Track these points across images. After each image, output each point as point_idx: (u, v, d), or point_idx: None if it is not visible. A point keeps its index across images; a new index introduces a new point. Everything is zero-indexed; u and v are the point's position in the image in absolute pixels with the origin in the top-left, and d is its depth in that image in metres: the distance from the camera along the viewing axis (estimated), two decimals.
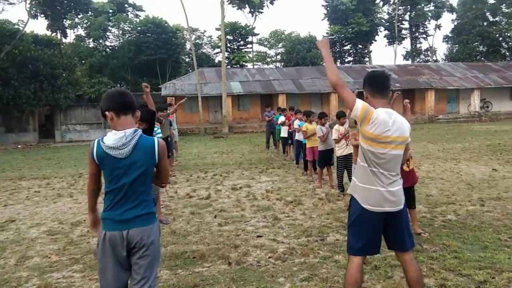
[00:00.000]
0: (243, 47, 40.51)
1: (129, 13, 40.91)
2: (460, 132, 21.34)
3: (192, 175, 10.10)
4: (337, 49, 42.44)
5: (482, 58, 44.16)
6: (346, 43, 41.88)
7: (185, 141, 21.43)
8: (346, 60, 43.07)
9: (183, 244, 5.01)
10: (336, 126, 7.56)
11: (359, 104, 2.79)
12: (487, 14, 45.08)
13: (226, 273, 4.06)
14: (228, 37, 38.25)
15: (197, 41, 41.30)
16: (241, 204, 6.90)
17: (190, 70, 35.99)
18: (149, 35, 35.99)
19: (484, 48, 45.75)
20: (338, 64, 41.32)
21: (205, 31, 47.50)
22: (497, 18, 45.04)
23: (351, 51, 43.11)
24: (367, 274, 3.86)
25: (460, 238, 4.79)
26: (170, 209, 6.77)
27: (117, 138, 2.40)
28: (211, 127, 28.22)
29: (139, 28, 37.15)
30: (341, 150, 7.45)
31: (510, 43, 44.96)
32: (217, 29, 35.18)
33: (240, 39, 39.62)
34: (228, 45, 38.71)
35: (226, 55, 38.08)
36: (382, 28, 42.88)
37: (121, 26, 37.86)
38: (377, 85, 2.98)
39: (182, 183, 9.17)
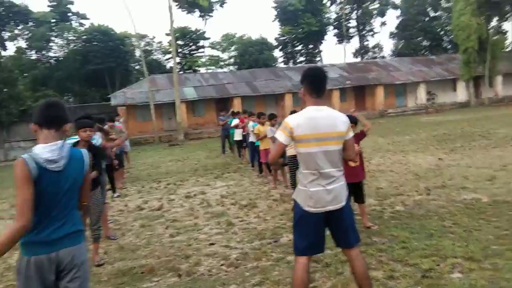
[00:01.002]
0: (195, 51, 40.16)
1: (72, 22, 39.41)
2: (409, 124, 22.20)
3: (144, 186, 9.79)
4: (289, 50, 43.07)
5: (426, 52, 46.40)
6: (298, 44, 42.61)
7: (138, 151, 20.83)
8: (298, 60, 43.81)
9: (132, 259, 4.80)
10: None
11: (279, 133, 2.93)
12: (428, 9, 47.48)
13: (176, 286, 3.91)
14: (179, 42, 37.77)
15: (147, 47, 40.47)
16: (194, 212, 6.74)
17: (141, 78, 35.20)
18: (96, 43, 34.82)
19: (427, 42, 48.14)
20: (291, 65, 41.98)
21: (154, 37, 46.79)
22: (438, 13, 47.53)
23: (302, 51, 43.92)
24: (318, 272, 3.85)
25: (408, 228, 4.91)
26: (119, 223, 6.49)
27: (51, 150, 2.23)
28: (166, 135, 27.66)
29: (84, 37, 35.85)
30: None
31: (451, 37, 47.64)
32: (167, 35, 34.73)
33: (191, 44, 39.24)
34: (179, 50, 38.21)
35: (178, 61, 37.56)
36: (331, 28, 44.06)
37: (65, 35, 36.34)
38: (313, 85, 2.97)
39: (133, 195, 8.85)
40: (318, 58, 43.52)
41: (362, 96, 34.41)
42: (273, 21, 41.48)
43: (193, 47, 39.52)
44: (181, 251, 4.90)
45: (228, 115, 15.28)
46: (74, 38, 36.94)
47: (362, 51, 47.06)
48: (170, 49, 32.62)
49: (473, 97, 33.82)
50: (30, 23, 37.09)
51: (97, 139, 6.62)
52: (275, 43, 41.90)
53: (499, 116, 21.02)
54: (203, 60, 40.95)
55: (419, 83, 34.20)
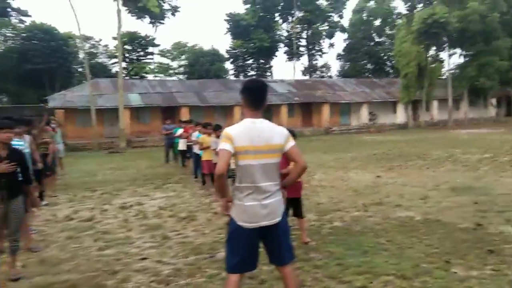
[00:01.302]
0: (143, 58, 39.14)
1: (12, 18, 36.91)
2: (352, 142, 22.99)
3: (76, 195, 9.17)
4: (240, 63, 43.32)
5: (370, 75, 48.73)
6: (249, 58, 43.01)
7: (75, 158, 19.70)
8: (249, 74, 44.19)
9: (53, 274, 4.38)
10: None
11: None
12: (374, 35, 50.06)
13: None
14: (127, 47, 36.65)
15: (92, 50, 38.86)
16: (128, 224, 6.36)
17: (84, 81, 33.64)
18: (36, 42, 32.80)
19: (371, 65, 50.62)
20: (241, 77, 42.20)
21: (100, 40, 45.09)
22: (381, 39, 50.23)
23: (253, 65, 44.39)
24: None
25: (344, 244, 4.92)
26: (44, 234, 5.96)
27: None
28: (107, 141, 26.46)
29: (23, 34, 33.69)
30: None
31: (393, 62, 50.48)
32: (114, 38, 33.59)
33: (139, 50, 38.21)
34: (127, 55, 37.07)
35: (125, 66, 36.35)
36: (282, 45, 44.96)
37: (2, 31, 33.93)
38: (252, 97, 2.89)
39: (64, 204, 8.24)
40: (268, 73, 44.20)
41: (309, 113, 35.29)
42: (225, 33, 41.74)
43: (142, 53, 38.50)
44: (109, 266, 4.55)
45: (174, 125, 14.94)
46: (13, 35, 34.62)
47: (310, 69, 48.48)
48: (117, 53, 31.49)
49: (411, 119, 35.87)
50: None
51: (24, 143, 6.10)
52: (226, 55, 42.01)
53: (434, 139, 22.36)
54: (152, 67, 40.01)
55: (362, 104, 35.73)
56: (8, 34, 34.62)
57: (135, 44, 37.09)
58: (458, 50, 39.44)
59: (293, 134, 5.12)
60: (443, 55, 42.23)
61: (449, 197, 7.38)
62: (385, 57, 48.75)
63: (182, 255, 4.82)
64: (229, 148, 2.74)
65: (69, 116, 26.56)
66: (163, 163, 15.13)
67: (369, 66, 49.75)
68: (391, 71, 47.37)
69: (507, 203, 6.68)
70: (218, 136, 8.04)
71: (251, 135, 2.75)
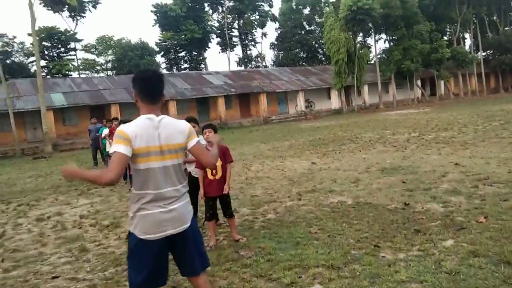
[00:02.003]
0: (64, 54, 36.51)
1: None
2: (290, 130, 23.21)
3: None
4: (172, 56, 42.05)
5: (304, 63, 49.63)
6: (181, 50, 41.83)
7: None
8: (182, 67, 43.05)
9: None
10: None
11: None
12: (304, 23, 50.94)
13: None
14: (45, 43, 33.93)
15: (6, 48, 35.59)
16: (43, 239, 5.72)
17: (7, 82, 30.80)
18: None
19: (304, 54, 51.56)
20: (175, 71, 41.02)
21: (15, 37, 41.60)
22: (312, 27, 51.25)
23: (186, 57, 43.28)
24: None
25: (276, 237, 4.74)
26: None
27: None
28: (30, 146, 24.52)
29: None
30: None
31: (324, 49, 51.92)
32: (29, 35, 30.85)
33: (60, 46, 35.56)
34: (46, 52, 34.34)
35: (44, 64, 33.75)
36: (214, 36, 44.29)
37: None
38: (146, 90, 2.50)
39: None
40: (202, 65, 43.36)
41: (247, 104, 35.23)
42: (153, 25, 40.16)
43: (62, 49, 35.86)
44: None
45: (100, 125, 14.02)
46: None
47: (245, 60, 48.35)
48: (34, 51, 29.10)
49: (345, 104, 37.10)
50: None
51: None
52: (156, 48, 40.51)
53: (366, 122, 23.22)
54: (76, 63, 37.51)
55: (298, 92, 36.29)
56: None
57: (54, 40, 34.42)
58: (384, 36, 41.39)
59: (215, 128, 4.83)
60: (370, 41, 44.08)
61: (379, 179, 7.51)
62: (317, 45, 49.88)
63: (100, 268, 4.35)
64: (125, 151, 2.33)
65: None
66: (92, 166, 14.18)
67: (302, 54, 50.63)
68: (323, 58, 48.58)
69: (432, 180, 6.89)
70: None
71: (149, 134, 2.39)
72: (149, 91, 2.49)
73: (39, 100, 23.44)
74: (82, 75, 36.98)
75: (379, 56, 41.44)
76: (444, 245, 3.97)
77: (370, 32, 40.41)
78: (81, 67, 38.56)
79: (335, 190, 6.90)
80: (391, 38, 39.90)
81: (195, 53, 42.51)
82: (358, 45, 37.41)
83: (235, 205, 6.54)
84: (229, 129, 29.69)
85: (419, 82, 42.54)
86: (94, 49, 40.96)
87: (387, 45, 41.63)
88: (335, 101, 38.30)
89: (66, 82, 30.06)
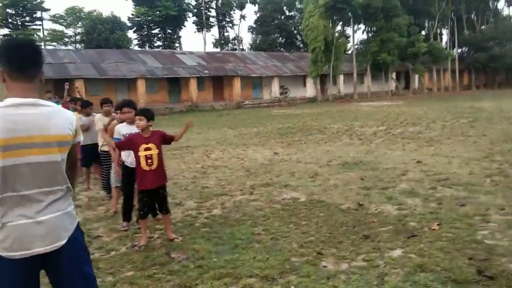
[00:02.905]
0: (29, 23, 34.51)
1: None
2: (260, 116, 22.79)
3: None
4: (145, 32, 40.60)
5: (282, 49, 49.02)
6: (154, 27, 40.40)
7: None
8: (155, 44, 41.69)
9: None
10: (99, 116, 6.40)
11: None
12: (284, 8, 50.16)
13: None
14: (9, 10, 31.92)
15: None
16: None
17: None
18: None
19: (283, 39, 50.91)
20: (147, 48, 39.67)
21: None
22: (292, 13, 50.55)
23: (160, 35, 41.88)
24: None
25: (215, 238, 4.32)
26: None
27: None
28: None
29: None
30: (105, 145, 6.32)
31: (303, 36, 51.45)
32: None
33: (25, 14, 33.53)
34: (10, 20, 32.35)
35: (7, 32, 31.88)
36: (190, 14, 42.98)
37: None
38: (14, 63, 1.93)
39: None
40: (177, 44, 42.10)
41: (220, 87, 34.49)
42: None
43: (28, 18, 33.88)
44: None
45: (56, 100, 13.14)
46: None
47: (222, 41, 47.31)
48: None
49: (320, 93, 36.91)
50: None
51: None
52: (129, 23, 38.95)
53: (338, 112, 23.04)
54: (41, 34, 35.59)
55: (273, 77, 35.79)
56: None
57: (19, 7, 32.42)
58: (362, 26, 41.21)
59: (151, 116, 4.29)
60: (349, 30, 43.84)
61: (338, 174, 7.19)
62: (296, 32, 49.27)
63: None
64: None
65: None
66: None
67: (280, 40, 49.96)
68: (301, 45, 48.12)
69: (391, 178, 6.62)
70: (88, 114, 6.95)
71: (16, 121, 1.86)
72: (19, 65, 1.94)
73: None
74: (49, 47, 35.20)
75: (356, 47, 41.36)
76: (391, 256, 3.64)
77: (349, 21, 40.13)
78: (48, 38, 36.71)
79: (290, 185, 6.52)
80: (369, 29, 39.79)
81: (170, 31, 41.20)
82: (336, 34, 37.13)
83: (183, 197, 6.11)
84: (200, 112, 29.03)
85: (394, 75, 42.78)
86: (62, 20, 39.01)
87: (365, 36, 41.55)
88: (310, 89, 38.07)
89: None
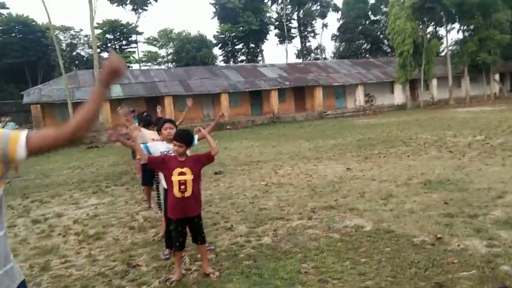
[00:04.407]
0: (126, 47, 37.68)
1: None
2: (342, 127, 21.72)
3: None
4: (229, 48, 41.79)
5: (367, 55, 46.98)
6: (238, 42, 41.42)
7: (46, 155, 18.73)
8: (239, 59, 42.62)
9: None
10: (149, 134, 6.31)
11: None
12: (369, 13, 48.13)
13: None
14: (108, 36, 35.24)
15: (72, 41, 37.52)
16: (19, 248, 5.25)
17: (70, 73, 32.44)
18: (14, 35, 31.60)
19: (368, 45, 48.81)
20: (231, 63, 40.74)
21: (81, 30, 43.64)
22: (378, 17, 48.28)
23: (243, 50, 42.78)
24: None
25: (255, 275, 3.77)
26: None
27: None
28: (88, 136, 25.44)
29: (0, 27, 32.42)
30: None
31: (390, 40, 48.69)
32: (96, 27, 32.06)
33: (122, 39, 36.73)
34: (109, 44, 35.69)
35: (107, 56, 35.03)
36: (272, 27, 43.28)
37: None
38: None
39: None
40: (259, 58, 42.63)
41: (301, 97, 33.93)
42: (212, 18, 40.10)
43: (124, 42, 37.03)
44: None
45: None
46: None
47: (304, 52, 46.79)
48: (98, 43, 30.21)
49: (410, 99, 34.36)
50: None
51: None
52: (214, 40, 40.45)
53: (428, 120, 21.03)
54: (137, 56, 38.60)
55: (357, 85, 34.24)
56: None
57: (117, 32, 35.59)
58: (457, 25, 37.63)
59: (189, 140, 3.87)
60: (442, 31, 40.41)
61: (417, 195, 6.18)
62: (382, 36, 46.85)
63: None
64: None
65: (46, 111, 25.56)
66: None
67: (366, 46, 47.91)
68: (388, 50, 45.59)
69: (482, 202, 5.46)
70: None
71: None
72: None
73: None
74: (144, 67, 37.99)
75: (451, 48, 37.84)
76: None
77: (441, 21, 36.92)
78: (144, 59, 39.67)
79: (356, 209, 5.72)
80: (465, 28, 36.14)
81: (252, 46, 41.86)
82: (428, 35, 34.38)
83: (236, 220, 5.67)
84: (281, 123, 28.73)
85: (497, 77, 38.23)
86: (156, 42, 41.93)
87: (460, 35, 37.88)
88: (398, 96, 35.63)
89: (125, 73, 30.91)
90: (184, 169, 3.71)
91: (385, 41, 47.75)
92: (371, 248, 4.21)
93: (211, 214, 6.07)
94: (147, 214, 6.55)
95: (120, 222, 6.12)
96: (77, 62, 35.57)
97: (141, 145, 4.15)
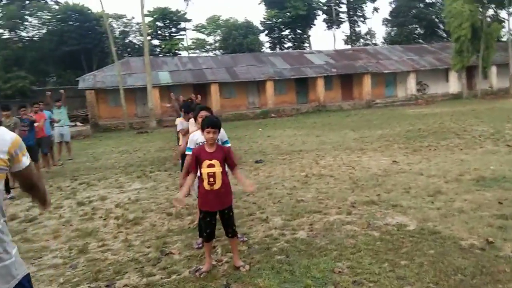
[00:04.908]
0: (175, 34, 38.28)
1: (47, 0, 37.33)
2: (391, 116, 20.87)
3: (52, 186, 8.49)
4: (276, 35, 41.25)
5: (421, 40, 44.63)
6: (285, 28, 40.74)
7: (99, 139, 19.62)
8: (286, 45, 41.99)
9: None
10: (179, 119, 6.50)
11: None
12: None
13: None
14: (158, 23, 35.94)
15: (124, 29, 38.68)
16: (62, 229, 5.45)
17: (120, 60, 33.58)
18: (71, 23, 33.08)
19: (422, 30, 46.31)
20: (277, 50, 40.25)
21: (133, 18, 44.76)
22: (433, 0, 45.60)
23: (290, 36, 42.05)
24: None
25: (286, 271, 3.64)
26: None
27: None
28: (138, 121, 26.27)
29: (59, 16, 34.03)
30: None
31: (446, 24, 45.84)
32: (147, 15, 32.85)
33: (171, 26, 37.33)
34: (159, 32, 36.42)
35: (157, 43, 35.85)
36: (320, 12, 42.15)
37: (39, 14, 34.52)
38: None
39: (29, 197, 7.56)
40: (306, 44, 41.76)
41: (349, 85, 32.94)
42: (259, 4, 39.69)
43: (173, 29, 37.61)
44: None
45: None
46: (49, 17, 35.14)
47: (353, 37, 45.25)
48: (149, 31, 30.94)
49: (466, 88, 32.36)
50: (3, 1, 35.21)
51: None
52: (261, 27, 40.06)
53: (486, 110, 19.70)
54: (185, 43, 39.18)
55: (409, 73, 32.69)
56: (45, 17, 35.16)
57: (166, 20, 36.21)
58: None
59: (220, 126, 3.78)
60: (503, 13, 37.43)
61: (468, 193, 5.73)
62: (437, 20, 44.16)
63: (75, 281, 3.79)
64: None
65: (100, 96, 26.65)
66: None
67: (419, 30, 45.44)
68: (444, 35, 43.03)
69: None
70: (188, 119, 6.92)
71: None
72: None
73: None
74: (192, 55, 38.52)
75: None
76: None
77: (503, 3, 34.16)
78: (192, 46, 40.17)
79: (400, 205, 5.40)
80: None
81: (299, 32, 41.04)
82: (487, 19, 31.98)
83: (272, 212, 5.54)
84: (327, 112, 28.12)
85: None
86: (204, 29, 42.28)
87: None
88: (454, 84, 33.62)
89: (174, 61, 31.44)
90: (213, 161, 3.63)
91: (441, 25, 45.05)
92: (413, 250, 3.93)
93: (247, 204, 5.99)
94: (186, 200, 6.58)
95: (159, 208, 6.20)
96: (129, 49, 36.72)
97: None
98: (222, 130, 4.33)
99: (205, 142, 3.77)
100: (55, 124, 12.27)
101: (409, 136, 12.55)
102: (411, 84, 32.93)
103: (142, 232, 5.09)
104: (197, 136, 4.45)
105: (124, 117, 25.30)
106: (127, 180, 8.65)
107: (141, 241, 4.75)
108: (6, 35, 34.17)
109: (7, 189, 7.61)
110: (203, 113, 4.32)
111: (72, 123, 27.92)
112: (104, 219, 5.78)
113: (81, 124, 28.67)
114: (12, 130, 8.61)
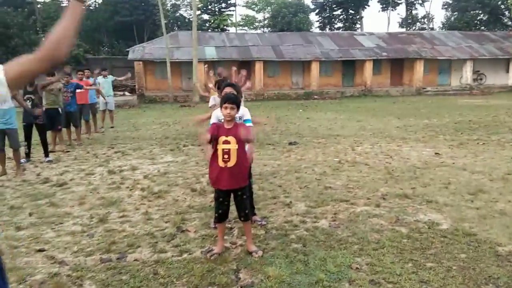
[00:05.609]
0: (224, 10, 38.04)
1: None
2: (441, 106, 19.73)
3: (89, 152, 8.73)
4: (327, 14, 39.92)
5: (483, 27, 41.66)
6: (337, 8, 39.31)
7: (144, 110, 20.12)
8: (336, 26, 40.60)
9: None
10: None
11: None
12: None
13: None
14: None
15: (176, 2, 38.95)
16: (89, 196, 5.56)
17: (171, 33, 33.95)
18: None
19: (485, 16, 43.16)
20: (327, 30, 39.01)
21: None
22: None
23: (341, 16, 40.55)
24: None
25: (300, 262, 3.45)
26: None
27: None
28: (182, 95, 26.62)
29: None
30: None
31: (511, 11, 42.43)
32: None
33: (221, 1, 37.06)
34: (209, 7, 36.34)
35: (206, 18, 35.82)
36: None
37: None
38: None
39: (63, 162, 7.81)
40: (358, 25, 40.14)
41: (399, 70, 31.47)
42: None
43: (223, 4, 37.32)
44: None
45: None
46: None
47: (409, 21, 42.91)
48: (199, 5, 30.91)
49: None
50: None
51: None
52: (312, 6, 38.93)
53: None
54: (234, 19, 38.83)
55: (466, 61, 30.66)
56: None
57: None
58: None
59: (239, 103, 3.61)
60: None
61: None
62: (503, 6, 40.87)
63: (88, 250, 3.81)
64: None
65: (148, 68, 27.18)
66: None
67: (482, 16, 42.30)
68: (509, 23, 39.84)
69: None
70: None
71: None
72: None
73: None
74: (240, 31, 38.23)
75: None
76: None
77: None
78: (241, 23, 39.85)
79: (436, 202, 5.01)
80: None
81: (352, 12, 39.47)
82: None
83: (297, 197, 5.34)
84: (373, 97, 27.09)
85: None
86: (254, 6, 41.74)
87: None
88: None
89: (221, 36, 31.36)
90: (229, 138, 3.48)
91: (506, 13, 41.72)
92: (442, 252, 3.61)
93: (273, 186, 5.82)
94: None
95: (185, 183, 6.16)
96: (179, 23, 37.00)
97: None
98: (245, 109, 4.16)
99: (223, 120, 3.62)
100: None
101: (457, 128, 11.76)
102: (467, 73, 30.93)
103: (163, 206, 5.07)
104: (219, 112, 4.31)
105: (169, 90, 25.69)
106: (160, 152, 8.73)
107: (161, 216, 4.72)
108: (65, 3, 35.40)
109: (46, 153, 7.92)
110: (228, 89, 4.16)
111: (121, 93, 28.84)
112: (130, 190, 5.83)
113: (129, 94, 29.56)
114: (57, 95, 8.90)
